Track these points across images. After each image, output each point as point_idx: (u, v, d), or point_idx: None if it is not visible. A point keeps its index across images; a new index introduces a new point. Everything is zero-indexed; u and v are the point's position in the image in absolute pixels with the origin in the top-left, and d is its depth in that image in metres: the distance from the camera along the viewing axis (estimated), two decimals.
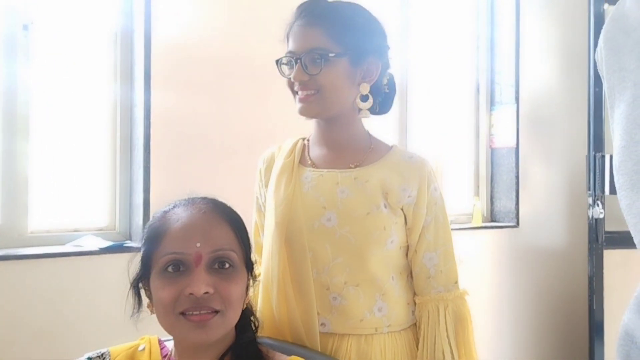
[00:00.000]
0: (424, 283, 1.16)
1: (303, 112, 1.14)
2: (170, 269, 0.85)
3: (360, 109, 1.16)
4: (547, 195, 3.13)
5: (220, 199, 0.96)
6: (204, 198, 0.94)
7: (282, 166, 1.20)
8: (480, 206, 2.97)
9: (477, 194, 3.10)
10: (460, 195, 3.06)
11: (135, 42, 1.99)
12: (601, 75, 0.67)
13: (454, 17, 3.10)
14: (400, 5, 2.74)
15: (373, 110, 1.20)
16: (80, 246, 1.80)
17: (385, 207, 1.13)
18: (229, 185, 1.83)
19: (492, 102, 3.16)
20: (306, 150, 1.22)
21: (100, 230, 1.98)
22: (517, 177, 3.01)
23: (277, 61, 1.15)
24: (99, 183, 2.00)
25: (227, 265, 0.87)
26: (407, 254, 1.18)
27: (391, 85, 1.21)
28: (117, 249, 1.81)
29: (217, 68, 2.08)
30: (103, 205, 2.00)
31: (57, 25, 1.94)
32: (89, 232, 1.94)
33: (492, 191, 3.11)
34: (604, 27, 0.67)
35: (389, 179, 1.13)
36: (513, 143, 3.03)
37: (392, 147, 1.21)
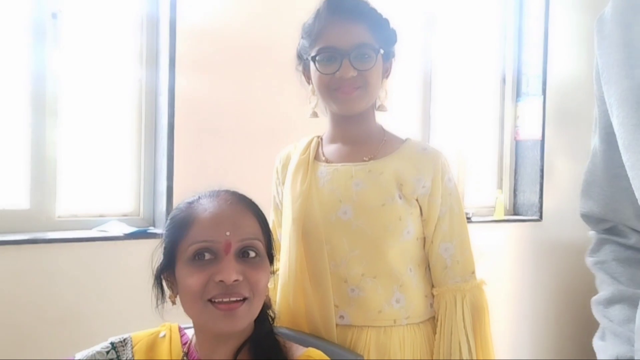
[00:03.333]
0: (440, 274, 1.16)
1: (348, 109, 1.14)
2: (198, 257, 0.87)
3: (380, 104, 1.21)
4: (572, 189, 3.07)
5: (241, 190, 0.97)
6: (227, 190, 0.95)
7: (297, 163, 1.22)
8: (503, 199, 2.93)
9: (500, 186, 3.07)
10: (483, 187, 3.03)
11: (160, 28, 2.01)
12: (596, 48, 0.66)
13: (481, 5, 3.05)
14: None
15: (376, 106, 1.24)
16: (106, 231, 1.84)
17: (400, 198, 1.13)
18: (251, 172, 1.85)
19: (518, 94, 3.11)
20: (320, 146, 1.24)
21: (125, 215, 2.02)
22: (542, 170, 2.96)
23: (312, 57, 1.13)
24: (124, 169, 2.03)
25: (253, 254, 0.89)
26: (424, 246, 1.18)
27: None
28: (141, 234, 1.85)
29: (242, 54, 2.09)
30: (128, 191, 2.04)
31: (85, 12, 1.97)
32: (114, 217, 1.98)
33: (515, 184, 3.08)
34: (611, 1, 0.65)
35: (403, 170, 1.14)
36: (539, 135, 2.99)
37: (405, 139, 1.21)
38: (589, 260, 0.73)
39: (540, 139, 2.98)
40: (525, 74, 3.08)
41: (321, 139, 1.25)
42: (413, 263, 1.15)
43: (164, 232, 0.94)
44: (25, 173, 1.84)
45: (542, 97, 2.99)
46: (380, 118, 1.24)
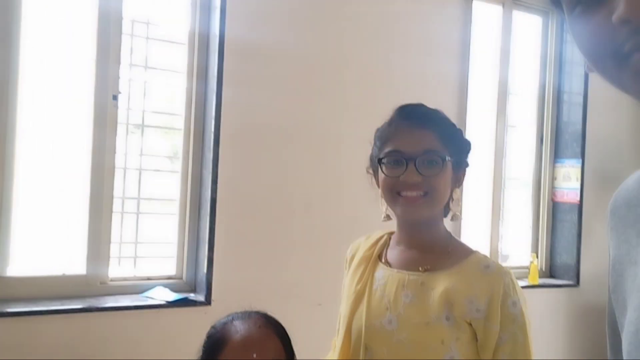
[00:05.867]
0: None
1: (409, 214, 1.13)
2: None
3: (454, 214, 1.19)
4: None
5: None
6: (257, 313, 1.10)
7: (360, 259, 1.21)
8: (537, 263, 2.94)
9: (535, 249, 3.07)
10: (518, 248, 3.05)
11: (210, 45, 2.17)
12: (608, 239, 0.66)
13: (521, 64, 3.10)
14: (461, 50, 2.74)
15: (445, 214, 1.21)
16: (151, 298, 2.02)
17: (448, 319, 1.06)
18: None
19: (556, 154, 3.12)
20: (387, 246, 1.22)
21: (170, 279, 2.19)
22: (580, 234, 2.95)
23: (379, 160, 1.14)
24: (170, 235, 2.22)
25: None
26: None
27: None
28: (183, 302, 2.01)
29: (290, 69, 2.23)
30: (173, 257, 2.22)
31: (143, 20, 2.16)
32: (159, 280, 2.16)
33: (552, 246, 3.07)
34: (614, 194, 0.67)
35: (456, 289, 1.07)
36: (577, 198, 2.98)
37: (472, 253, 1.15)
38: None
39: (578, 201, 2.97)
40: (565, 135, 3.10)
41: (390, 237, 1.23)
42: None
43: (202, 347, 1.09)
44: (83, 239, 2.05)
45: (581, 159, 2.99)
46: None
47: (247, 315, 1.09)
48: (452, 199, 1.16)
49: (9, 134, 1.91)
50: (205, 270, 2.11)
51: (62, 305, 1.88)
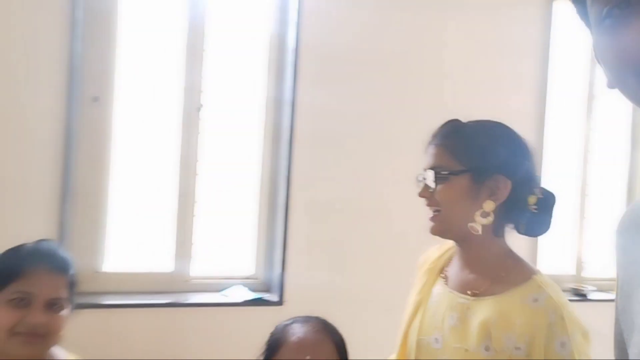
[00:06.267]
0: None
1: (431, 230, 1.14)
2: None
3: (475, 223, 1.08)
4: None
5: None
6: (317, 318, 1.17)
7: (426, 269, 1.22)
8: None
9: None
10: (606, 257, 2.88)
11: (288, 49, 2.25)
12: (617, 260, 0.64)
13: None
14: (541, 52, 2.63)
15: (519, 230, 1.13)
16: (227, 296, 2.15)
17: (487, 349, 1.02)
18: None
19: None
20: (452, 259, 1.20)
21: (247, 278, 2.32)
22: None
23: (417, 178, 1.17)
24: (247, 237, 2.34)
25: None
26: None
27: (542, 205, 1.11)
28: (257, 302, 2.13)
29: (366, 73, 2.27)
30: (250, 257, 2.34)
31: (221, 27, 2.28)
32: (238, 279, 2.29)
33: None
34: (622, 215, 0.66)
35: (495, 322, 1.02)
36: None
37: (528, 279, 1.06)
38: None
39: None
40: None
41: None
42: None
43: (266, 345, 1.17)
44: (171, 240, 2.22)
45: None
46: None
47: (307, 319, 1.16)
48: (483, 211, 1.08)
49: (106, 142, 2.11)
50: (278, 271, 2.21)
51: (150, 299, 2.05)
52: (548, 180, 2.60)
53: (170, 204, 2.22)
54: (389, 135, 2.32)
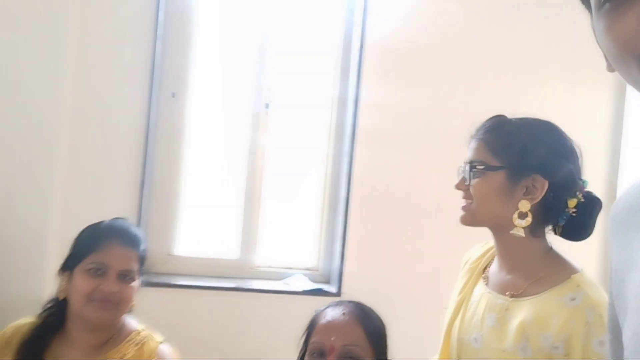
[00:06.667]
0: None
1: (460, 219, 1.18)
2: (315, 354, 1.16)
3: (515, 226, 1.09)
4: None
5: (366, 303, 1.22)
6: (350, 302, 1.22)
7: (468, 269, 1.24)
8: None
9: None
10: None
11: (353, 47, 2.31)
12: (611, 245, 0.64)
13: None
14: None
15: (556, 232, 1.13)
16: (289, 285, 2.24)
17: (525, 350, 1.03)
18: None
19: None
20: (494, 259, 1.21)
21: (308, 269, 2.41)
22: None
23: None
24: (309, 229, 2.43)
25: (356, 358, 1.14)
26: None
27: (583, 209, 1.10)
28: (317, 292, 2.21)
29: (429, 72, 2.29)
30: (312, 248, 2.43)
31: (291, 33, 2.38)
32: (299, 270, 2.38)
33: None
34: (614, 203, 0.65)
35: (532, 323, 1.03)
36: None
37: (567, 278, 1.05)
38: None
39: None
40: None
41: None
42: None
43: (306, 327, 1.24)
44: (237, 229, 2.35)
45: None
46: None
47: (341, 303, 1.22)
48: (520, 212, 1.08)
49: (181, 135, 2.27)
50: (338, 264, 2.28)
51: (217, 283, 2.19)
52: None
53: (238, 195, 2.35)
54: (449, 132, 2.31)
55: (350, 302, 1.23)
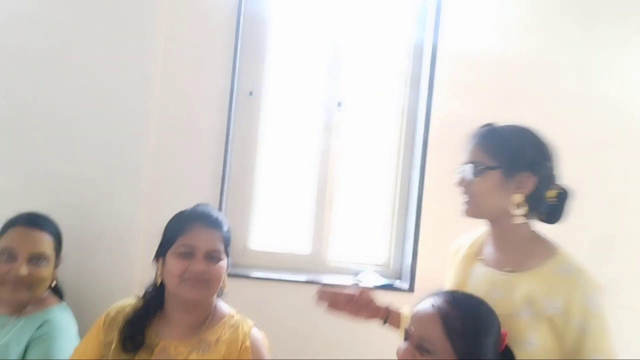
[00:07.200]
0: None
1: (463, 212, 1.38)
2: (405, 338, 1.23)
3: (514, 215, 1.32)
4: None
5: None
6: (449, 294, 1.24)
7: (464, 255, 1.46)
8: None
9: None
10: None
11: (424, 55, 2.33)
12: None
13: None
14: None
15: (540, 218, 1.36)
16: (360, 280, 2.28)
17: (529, 313, 1.24)
18: None
19: None
20: (485, 244, 1.44)
21: (379, 266, 2.43)
22: None
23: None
24: (380, 227, 2.45)
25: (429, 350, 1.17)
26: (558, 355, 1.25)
27: (560, 198, 1.34)
28: (388, 287, 2.22)
29: (499, 78, 2.27)
30: (382, 246, 2.45)
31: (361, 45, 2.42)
32: (370, 266, 2.41)
33: None
34: None
35: (535, 290, 1.25)
36: None
37: (553, 254, 1.30)
38: None
39: None
40: None
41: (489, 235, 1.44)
42: None
43: None
44: (310, 226, 2.41)
45: None
46: None
47: (440, 295, 1.25)
48: (513, 204, 1.30)
49: (257, 133, 2.36)
50: (409, 262, 2.29)
51: (290, 276, 2.26)
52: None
53: (311, 193, 2.41)
54: None
55: (451, 294, 1.25)
